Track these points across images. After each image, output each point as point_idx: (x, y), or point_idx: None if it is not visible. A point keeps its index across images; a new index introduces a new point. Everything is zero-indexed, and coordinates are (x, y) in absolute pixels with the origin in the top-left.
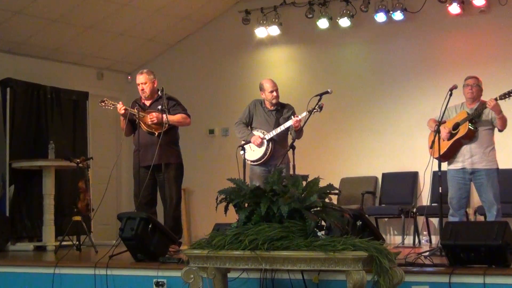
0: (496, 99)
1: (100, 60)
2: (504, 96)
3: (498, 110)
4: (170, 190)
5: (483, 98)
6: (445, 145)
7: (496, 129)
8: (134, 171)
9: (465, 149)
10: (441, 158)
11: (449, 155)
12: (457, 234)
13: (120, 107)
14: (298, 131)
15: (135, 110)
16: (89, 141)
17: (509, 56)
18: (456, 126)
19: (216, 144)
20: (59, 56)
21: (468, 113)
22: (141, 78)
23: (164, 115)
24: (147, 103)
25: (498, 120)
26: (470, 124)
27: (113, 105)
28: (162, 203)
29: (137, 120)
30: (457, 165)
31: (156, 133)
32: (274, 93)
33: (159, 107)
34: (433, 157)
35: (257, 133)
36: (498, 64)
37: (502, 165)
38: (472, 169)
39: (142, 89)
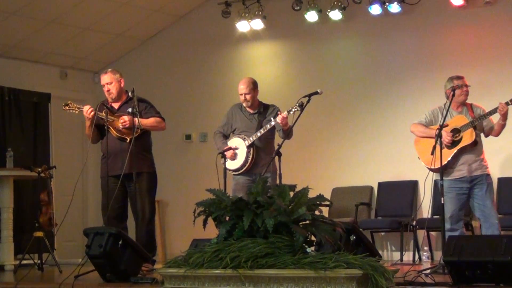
0: (507, 104)
1: (64, 57)
2: None
3: (506, 115)
4: (142, 202)
5: (484, 94)
6: (447, 154)
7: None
8: (102, 181)
9: (465, 158)
10: (438, 169)
11: (449, 165)
12: (462, 249)
13: (87, 110)
14: (287, 131)
15: (103, 114)
16: (51, 148)
17: None
18: (456, 132)
19: (194, 151)
20: (17, 54)
21: (472, 117)
22: (105, 78)
23: (136, 119)
24: (115, 105)
25: (499, 127)
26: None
27: (78, 108)
28: (134, 217)
29: (105, 125)
30: (454, 174)
31: (128, 139)
32: (243, 97)
33: (129, 109)
34: (431, 168)
35: (237, 139)
36: (505, 61)
37: (505, 174)
38: (471, 177)
39: (108, 90)
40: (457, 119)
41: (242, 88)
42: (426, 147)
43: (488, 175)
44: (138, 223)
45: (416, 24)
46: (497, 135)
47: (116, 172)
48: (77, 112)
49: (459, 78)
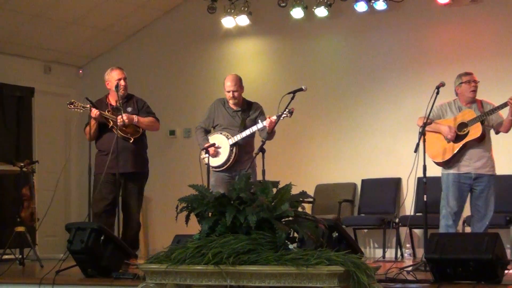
0: None
1: (48, 52)
2: None
3: None
4: (137, 200)
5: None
6: (453, 148)
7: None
8: (98, 176)
9: (472, 153)
10: (445, 162)
11: (454, 159)
12: (443, 247)
13: (94, 111)
14: (271, 132)
15: (108, 113)
16: (34, 143)
17: (502, 50)
18: (463, 127)
19: (178, 147)
20: (1, 48)
21: (481, 112)
22: (122, 73)
23: (135, 117)
24: (115, 103)
25: (508, 122)
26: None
27: (83, 107)
28: (124, 214)
29: (111, 124)
30: (461, 169)
31: (132, 139)
32: (230, 94)
33: (129, 108)
34: (436, 162)
35: (220, 136)
36: (491, 58)
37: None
38: (476, 174)
39: (125, 85)
40: (465, 113)
41: (230, 85)
42: (432, 141)
43: (493, 175)
44: (128, 220)
45: (402, 21)
46: (506, 131)
47: (118, 171)
48: (81, 111)
49: (467, 74)
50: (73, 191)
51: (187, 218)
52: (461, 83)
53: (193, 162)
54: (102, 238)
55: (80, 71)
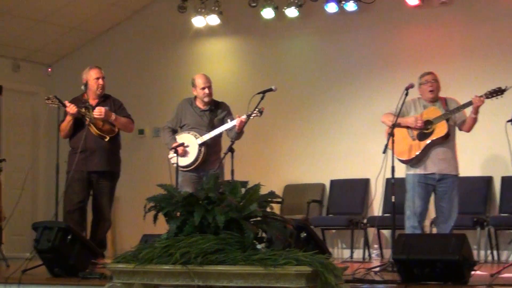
0: (482, 97)
1: (16, 49)
2: (492, 95)
3: (478, 109)
4: (109, 200)
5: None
6: (419, 146)
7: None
8: (71, 174)
9: (436, 152)
10: (410, 160)
11: (419, 157)
12: (411, 247)
13: (71, 106)
14: (240, 132)
15: (84, 110)
16: (1, 141)
17: (472, 52)
18: (428, 124)
19: (146, 146)
20: None
21: (446, 110)
22: (99, 72)
23: (113, 114)
24: (93, 103)
25: (471, 120)
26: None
27: (60, 103)
28: (95, 212)
29: (87, 121)
30: (425, 169)
31: (107, 137)
32: (206, 90)
33: (107, 107)
34: (401, 160)
35: (188, 135)
36: (460, 60)
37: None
38: (441, 175)
39: (102, 84)
40: (430, 111)
41: (205, 81)
42: (398, 139)
43: (457, 176)
44: (99, 219)
45: (372, 22)
46: (468, 130)
47: (91, 169)
48: (57, 107)
49: (426, 74)
50: (40, 189)
51: (155, 218)
52: (420, 84)
53: (161, 161)
54: (69, 237)
55: (49, 69)
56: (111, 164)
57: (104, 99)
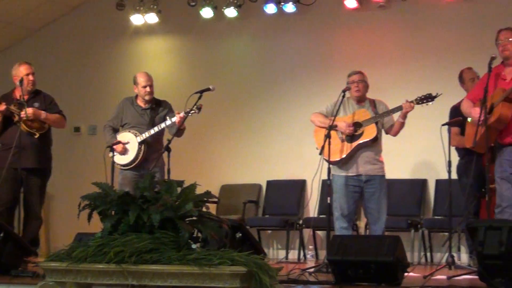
0: (412, 102)
1: None
2: (422, 101)
3: (406, 114)
4: (39, 197)
5: (374, 97)
6: (348, 147)
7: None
8: (0, 171)
9: (363, 154)
10: (339, 161)
11: (348, 159)
12: (345, 249)
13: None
14: (181, 130)
15: (13, 107)
16: None
17: (407, 56)
18: (358, 126)
19: (82, 144)
20: None
21: (375, 113)
22: (30, 68)
23: (44, 113)
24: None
25: (398, 125)
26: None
27: None
28: (25, 210)
29: (16, 118)
30: (352, 171)
31: (37, 134)
32: (148, 89)
33: (36, 104)
34: (328, 160)
35: (128, 134)
36: (396, 64)
37: (393, 175)
38: (368, 176)
39: (33, 80)
40: (360, 113)
41: (147, 80)
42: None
43: (383, 176)
44: (29, 216)
45: (311, 24)
46: (395, 134)
47: (21, 165)
48: None
49: (353, 74)
50: None
51: (90, 216)
52: (348, 83)
53: (97, 159)
54: (1, 235)
55: None
56: (41, 161)
57: (34, 95)
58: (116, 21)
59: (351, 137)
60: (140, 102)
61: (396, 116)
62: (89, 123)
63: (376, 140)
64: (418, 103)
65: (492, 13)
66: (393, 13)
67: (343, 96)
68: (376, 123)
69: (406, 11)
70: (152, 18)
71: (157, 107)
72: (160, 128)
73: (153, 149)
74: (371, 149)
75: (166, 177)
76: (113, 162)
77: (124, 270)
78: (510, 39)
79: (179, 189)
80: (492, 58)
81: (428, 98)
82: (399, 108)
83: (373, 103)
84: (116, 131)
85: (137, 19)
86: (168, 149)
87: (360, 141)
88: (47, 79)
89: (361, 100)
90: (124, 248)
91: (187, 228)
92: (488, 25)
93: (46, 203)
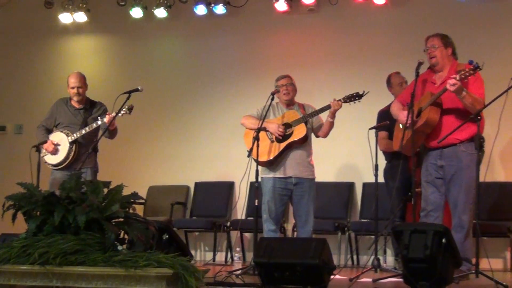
0: (340, 101)
1: None
2: (350, 99)
3: (335, 113)
4: None
5: (303, 100)
6: (278, 147)
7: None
8: None
9: (293, 155)
10: (269, 162)
11: (278, 160)
12: (272, 251)
13: None
14: (113, 131)
15: None
16: None
17: (337, 59)
18: (287, 127)
19: (8, 143)
20: None
21: (304, 114)
22: None
23: None
24: None
25: (328, 124)
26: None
27: None
28: None
29: None
30: (282, 173)
31: None
32: (75, 90)
33: None
34: (258, 161)
35: (59, 134)
36: (325, 67)
37: (321, 178)
38: (297, 179)
39: None
40: (289, 114)
41: (74, 81)
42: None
43: (313, 179)
44: None
45: (241, 26)
46: (325, 135)
47: None
48: None
49: (281, 78)
50: None
51: (14, 217)
52: (276, 86)
53: (23, 159)
54: None
55: None
56: None
57: None
58: (44, 19)
59: (281, 138)
60: (74, 103)
61: (325, 116)
62: (16, 122)
63: (306, 140)
64: (345, 101)
65: (420, 19)
66: (323, 17)
67: (272, 99)
68: (306, 123)
69: (335, 15)
70: (80, 17)
71: (91, 108)
72: (91, 129)
73: (85, 149)
74: (301, 149)
75: (95, 177)
76: (39, 163)
77: (48, 271)
78: (437, 46)
79: (105, 190)
80: (420, 63)
81: (356, 96)
82: (327, 107)
83: (302, 106)
84: (49, 131)
85: (65, 18)
86: (95, 149)
87: (290, 140)
88: None
89: (290, 103)
90: (49, 249)
91: (113, 230)
92: (416, 30)
93: None
